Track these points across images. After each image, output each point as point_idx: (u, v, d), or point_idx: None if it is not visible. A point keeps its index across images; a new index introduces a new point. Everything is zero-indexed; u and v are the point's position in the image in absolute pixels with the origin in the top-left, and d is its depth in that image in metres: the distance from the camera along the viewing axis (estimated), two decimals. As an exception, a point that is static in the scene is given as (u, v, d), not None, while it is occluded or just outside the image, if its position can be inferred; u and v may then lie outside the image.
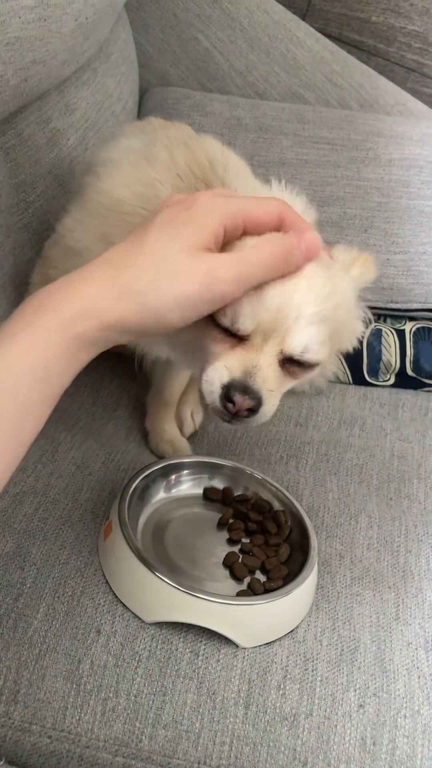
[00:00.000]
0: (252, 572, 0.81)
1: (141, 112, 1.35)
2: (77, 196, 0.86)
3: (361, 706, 0.73)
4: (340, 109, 1.42)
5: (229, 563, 0.81)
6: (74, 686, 0.71)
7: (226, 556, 0.81)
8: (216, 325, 0.66)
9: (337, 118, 1.33)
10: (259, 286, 0.64)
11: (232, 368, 0.67)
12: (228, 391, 0.66)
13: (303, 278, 0.66)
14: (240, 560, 0.81)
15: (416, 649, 0.78)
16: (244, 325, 0.65)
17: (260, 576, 0.81)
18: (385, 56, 1.59)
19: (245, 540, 0.85)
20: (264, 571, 0.82)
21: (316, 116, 1.32)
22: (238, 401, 0.66)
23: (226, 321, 0.65)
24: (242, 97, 1.42)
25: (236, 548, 0.83)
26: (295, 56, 1.44)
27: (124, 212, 0.76)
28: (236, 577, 0.80)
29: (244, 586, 0.79)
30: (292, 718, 0.71)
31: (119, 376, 1.10)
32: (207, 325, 0.67)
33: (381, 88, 1.47)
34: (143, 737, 0.70)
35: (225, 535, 0.85)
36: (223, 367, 0.67)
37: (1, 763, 0.67)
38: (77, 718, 0.70)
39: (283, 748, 0.70)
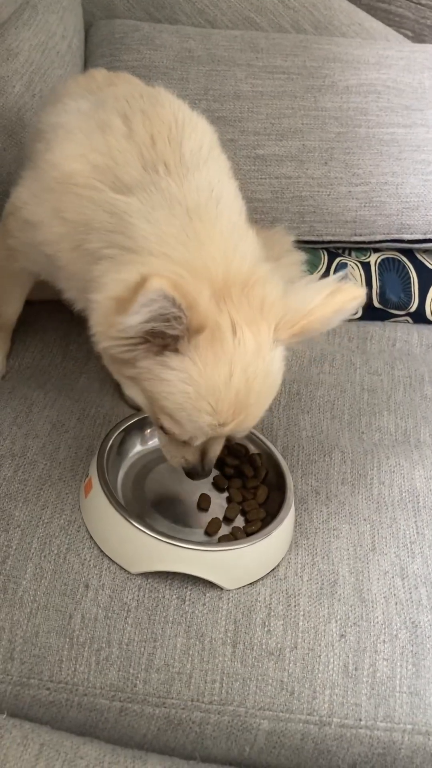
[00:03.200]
0: (232, 520, 0.83)
1: (87, 49, 1.29)
2: (30, 164, 0.84)
3: (342, 635, 0.77)
4: (294, 34, 1.38)
5: (210, 526, 0.82)
6: (67, 640, 0.74)
7: (209, 522, 0.82)
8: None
9: (292, 44, 1.28)
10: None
11: (186, 458, 0.76)
12: (189, 474, 0.78)
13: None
14: (221, 521, 0.83)
15: (393, 577, 0.82)
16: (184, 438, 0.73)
17: (240, 519, 0.84)
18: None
19: (222, 485, 0.87)
20: (243, 513, 0.84)
21: (269, 44, 1.27)
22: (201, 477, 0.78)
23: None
24: (192, 26, 1.36)
25: (217, 498, 0.85)
26: (244, -22, 1.39)
27: (76, 185, 0.75)
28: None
29: (226, 531, 0.82)
30: (277, 653, 0.75)
31: (88, 329, 1.09)
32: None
33: (335, 8, 1.42)
34: (138, 681, 0.73)
35: (205, 481, 0.87)
36: (179, 457, 0.77)
37: (3, 716, 0.70)
38: (73, 669, 0.73)
39: (270, 681, 0.74)
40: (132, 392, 0.75)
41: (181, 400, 0.68)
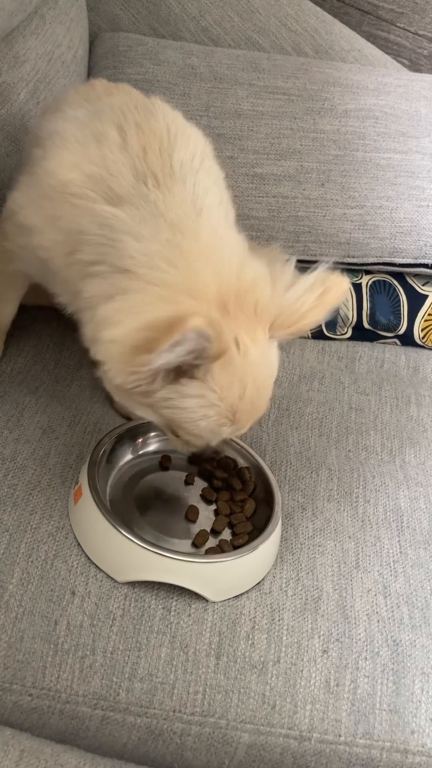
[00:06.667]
0: (219, 533, 0.84)
1: (91, 60, 1.31)
2: (27, 169, 0.84)
3: (324, 651, 0.77)
4: (295, 56, 1.40)
5: (198, 538, 0.83)
6: (52, 646, 0.74)
7: (197, 534, 0.83)
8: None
9: (293, 66, 1.31)
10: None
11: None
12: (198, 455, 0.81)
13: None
14: (208, 534, 0.83)
15: (375, 595, 0.83)
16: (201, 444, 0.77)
17: (227, 532, 0.84)
18: (339, -2, 1.56)
19: (211, 498, 0.87)
20: (230, 526, 0.85)
21: (271, 64, 1.30)
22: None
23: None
24: (195, 43, 1.38)
25: (205, 510, 0.86)
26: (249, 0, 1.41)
27: (71, 194, 0.75)
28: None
29: (213, 543, 0.83)
30: (260, 666, 0.76)
31: (79, 337, 1.10)
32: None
33: (336, 33, 1.45)
34: (120, 690, 0.73)
35: (193, 493, 0.87)
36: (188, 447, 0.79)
37: (-16, 721, 0.70)
38: (56, 676, 0.73)
39: (253, 694, 0.74)
40: (143, 413, 0.76)
41: (204, 422, 0.72)
